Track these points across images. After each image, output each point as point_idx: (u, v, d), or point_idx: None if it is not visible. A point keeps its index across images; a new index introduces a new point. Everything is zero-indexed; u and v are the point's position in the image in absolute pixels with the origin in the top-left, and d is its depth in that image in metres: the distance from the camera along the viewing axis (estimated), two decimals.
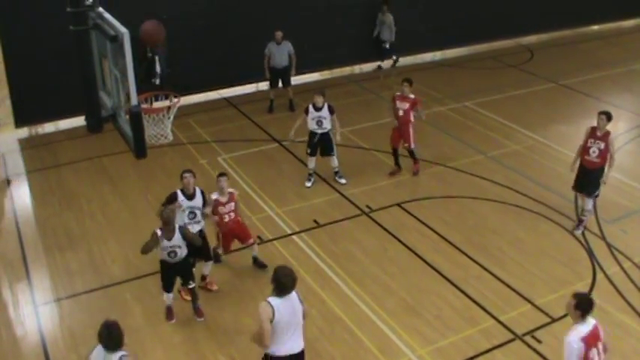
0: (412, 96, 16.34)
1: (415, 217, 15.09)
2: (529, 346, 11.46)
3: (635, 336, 11.76)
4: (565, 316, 12.03)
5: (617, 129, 19.96)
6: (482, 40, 26.87)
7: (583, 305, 8.82)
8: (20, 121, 18.92)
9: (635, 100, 22.10)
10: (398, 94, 16.43)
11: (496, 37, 27.18)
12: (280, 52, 19.94)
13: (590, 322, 8.85)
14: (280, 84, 20.45)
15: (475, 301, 12.46)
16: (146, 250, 11.29)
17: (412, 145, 16.62)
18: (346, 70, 24.12)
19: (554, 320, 12.05)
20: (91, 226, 14.69)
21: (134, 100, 13.90)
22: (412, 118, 16.43)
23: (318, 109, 15.71)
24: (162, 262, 11.50)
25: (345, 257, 13.64)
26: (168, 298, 11.85)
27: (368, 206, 15.42)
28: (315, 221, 14.83)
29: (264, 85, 21.95)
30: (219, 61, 20.97)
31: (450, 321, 11.98)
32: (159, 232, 11.22)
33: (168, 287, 11.69)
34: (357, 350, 11.28)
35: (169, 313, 11.97)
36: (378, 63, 24.44)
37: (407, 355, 11.20)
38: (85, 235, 14.36)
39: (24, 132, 19.14)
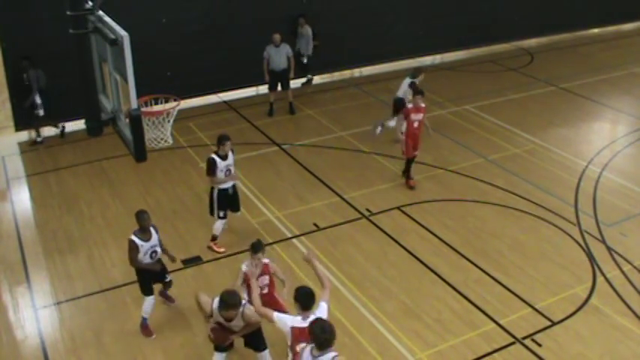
0: (423, 105, 16.31)
1: (415, 220, 15.08)
2: (529, 349, 11.45)
3: (634, 339, 11.75)
4: (566, 319, 12.11)
5: (617, 132, 20.05)
6: (482, 44, 26.90)
7: None
8: (20, 124, 18.90)
9: (634, 104, 22.10)
10: (410, 106, 16.27)
11: (496, 41, 27.18)
12: (279, 55, 19.92)
13: None
14: (280, 87, 20.41)
15: (475, 304, 12.46)
16: (133, 260, 11.29)
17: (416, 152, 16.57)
18: (346, 74, 24.10)
19: (554, 324, 12.05)
20: (91, 230, 14.68)
21: (134, 104, 13.94)
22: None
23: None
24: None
25: (345, 261, 13.64)
26: (149, 302, 11.68)
27: (368, 210, 15.42)
28: (315, 225, 14.83)
29: (263, 89, 21.94)
30: (218, 64, 20.95)
31: (450, 324, 11.98)
32: (135, 238, 11.28)
33: (148, 291, 11.62)
34: (357, 354, 11.27)
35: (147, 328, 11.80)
36: (306, 78, 23.09)
37: (407, 359, 11.20)
38: (85, 239, 14.35)
39: (24, 135, 19.12)
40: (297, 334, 8.74)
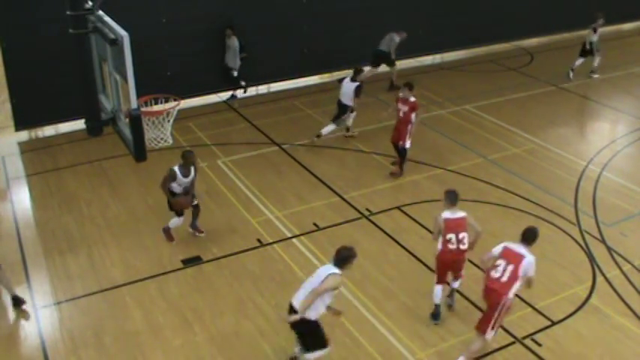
0: (412, 99, 16.51)
1: (415, 220, 15.08)
2: (529, 349, 11.46)
3: (635, 339, 11.76)
4: (566, 319, 12.11)
5: (617, 132, 20.06)
6: (482, 44, 26.91)
7: None
8: (20, 124, 18.91)
9: (634, 103, 22.11)
10: (400, 95, 16.64)
11: (496, 40, 27.19)
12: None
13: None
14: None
15: (475, 304, 12.45)
16: (165, 186, 13.40)
17: (406, 145, 16.77)
18: (345, 73, 24.01)
19: (554, 323, 12.07)
20: (91, 230, 14.67)
21: (134, 103, 13.91)
22: (412, 120, 16.55)
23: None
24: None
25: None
26: (179, 220, 13.99)
27: (368, 209, 15.42)
28: (315, 224, 14.83)
29: (263, 89, 22.02)
30: (219, 64, 20.93)
31: (450, 324, 11.98)
32: (176, 169, 13.28)
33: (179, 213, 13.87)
34: (358, 354, 11.27)
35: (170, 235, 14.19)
36: (231, 92, 21.75)
37: (407, 359, 11.20)
38: (84, 239, 14.34)
39: (24, 135, 19.13)
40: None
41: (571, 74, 23.73)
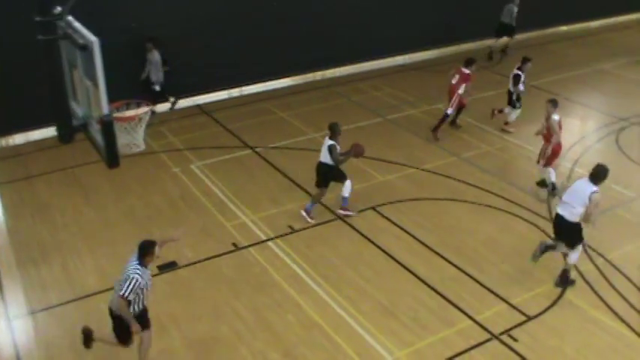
0: (467, 72, 18.92)
1: (390, 220, 15.12)
2: (506, 345, 11.52)
3: (609, 332, 11.87)
4: (541, 314, 12.19)
5: (587, 128, 20.23)
6: (452, 43, 26.98)
7: None
8: None
9: (603, 100, 22.32)
10: (460, 67, 19.09)
11: (466, 40, 27.28)
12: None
13: None
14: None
15: (451, 302, 12.51)
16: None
17: (449, 111, 19.03)
18: (317, 75, 24.04)
19: (529, 319, 12.15)
20: (65, 238, 14.56)
21: (105, 109, 13.82)
22: (461, 91, 18.88)
23: None
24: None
25: (321, 262, 13.64)
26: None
27: None
28: (290, 227, 14.82)
29: (235, 92, 21.98)
30: (191, 68, 20.86)
31: (427, 322, 12.02)
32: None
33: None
34: (335, 355, 11.27)
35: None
36: (150, 108, 18.87)
37: (385, 358, 11.22)
38: (58, 247, 14.23)
39: None
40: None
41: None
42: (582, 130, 20.25)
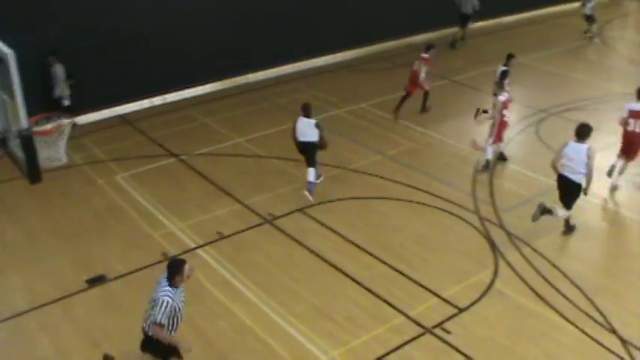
0: (425, 55, 20.56)
1: (318, 221, 15.14)
2: (439, 338, 11.64)
3: (538, 318, 12.10)
4: (472, 305, 12.36)
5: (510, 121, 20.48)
6: (373, 42, 27.16)
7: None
8: None
9: (523, 92, 22.71)
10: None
11: (387, 38, 27.50)
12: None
13: None
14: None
15: (383, 299, 12.59)
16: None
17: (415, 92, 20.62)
18: (241, 79, 23.94)
19: (461, 311, 12.30)
20: None
21: (24, 123, 13.57)
22: (422, 74, 20.40)
23: None
24: None
25: (252, 267, 13.58)
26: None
27: (270, 214, 15.39)
28: (219, 233, 14.72)
29: (158, 100, 21.79)
30: (112, 78, 20.54)
31: (360, 321, 12.06)
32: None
33: None
34: (270, 358, 11.23)
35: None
36: (71, 120, 18.26)
37: (320, 359, 11.23)
38: None
39: None
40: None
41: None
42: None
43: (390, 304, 12.44)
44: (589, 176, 13.89)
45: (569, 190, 14.23)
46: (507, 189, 16.55)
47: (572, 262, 13.77)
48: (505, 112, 17.36)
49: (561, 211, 14.47)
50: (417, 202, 15.90)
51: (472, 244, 14.36)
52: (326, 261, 13.73)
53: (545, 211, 14.37)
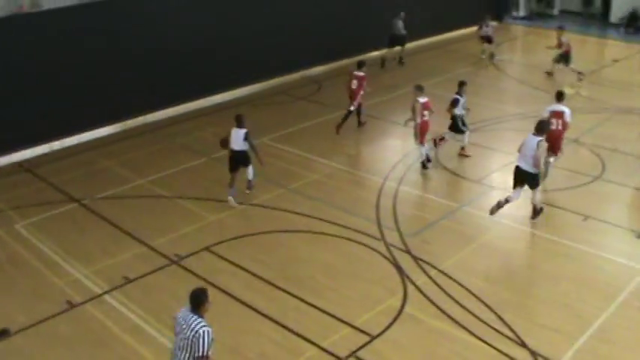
0: (361, 74, 22.00)
1: (226, 259, 15.04)
2: None
3: (450, 339, 12.30)
4: (384, 331, 12.46)
5: (407, 146, 20.87)
6: (271, 76, 27.28)
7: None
8: None
9: None
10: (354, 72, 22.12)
11: (284, 73, 27.68)
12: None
13: None
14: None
15: (296, 332, 12.58)
16: None
17: (351, 108, 21.87)
18: (140, 120, 23.66)
19: (373, 338, 12.39)
20: None
21: None
22: (362, 91, 21.82)
23: None
24: None
25: (161, 309, 13.35)
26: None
27: (177, 255, 15.21)
28: (126, 277, 14.45)
29: (57, 145, 21.36)
30: (6, 124, 20.03)
31: (273, 356, 12.02)
32: None
33: None
34: None
35: None
36: None
37: None
38: None
39: None
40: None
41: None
42: (404, 149, 20.92)
43: (302, 337, 12.44)
44: (536, 166, 15.58)
45: (524, 178, 15.86)
46: (410, 214, 16.83)
47: (479, 280, 14.06)
48: (425, 112, 18.72)
49: (536, 196, 16.16)
50: (324, 233, 15.99)
51: (380, 270, 14.51)
52: (236, 299, 13.64)
53: (502, 203, 15.94)
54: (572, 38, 29.26)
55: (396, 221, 16.44)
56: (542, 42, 31.65)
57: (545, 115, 17.69)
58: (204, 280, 14.25)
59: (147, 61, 23.07)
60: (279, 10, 27.01)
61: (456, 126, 19.72)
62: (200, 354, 9.02)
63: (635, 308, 13.29)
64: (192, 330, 9.11)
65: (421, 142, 18.94)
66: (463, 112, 19.76)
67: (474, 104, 23.87)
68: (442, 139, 19.94)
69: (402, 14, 29.95)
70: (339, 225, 16.28)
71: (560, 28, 28.50)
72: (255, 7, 26.15)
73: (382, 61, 29.87)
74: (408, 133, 20.29)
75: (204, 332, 9.05)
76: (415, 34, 31.95)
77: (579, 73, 27.16)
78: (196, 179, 18.79)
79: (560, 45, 27.96)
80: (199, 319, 9.19)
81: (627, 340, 12.38)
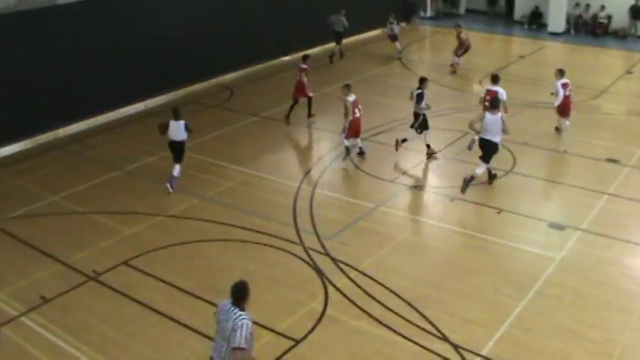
0: (304, 66, 23.60)
1: (144, 272, 14.87)
2: None
3: (374, 338, 12.44)
4: (307, 335, 12.51)
5: (322, 149, 21.05)
6: (182, 85, 27.07)
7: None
8: None
9: (331, 121, 23.32)
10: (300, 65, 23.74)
11: (194, 81, 27.50)
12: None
13: None
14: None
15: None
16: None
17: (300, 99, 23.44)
18: (50, 136, 23.17)
19: (298, 342, 12.45)
20: None
21: None
22: (305, 79, 23.40)
23: None
24: None
25: (81, 327, 13.12)
26: None
27: (94, 271, 14.95)
28: (42, 297, 14.13)
29: None
30: None
31: None
32: None
33: None
34: None
35: None
36: None
37: None
38: None
39: None
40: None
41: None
42: (318, 152, 21.07)
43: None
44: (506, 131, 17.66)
45: (488, 148, 17.61)
46: (327, 217, 16.92)
47: (398, 278, 14.24)
48: (356, 110, 19.74)
49: (480, 169, 17.62)
50: (241, 241, 15.96)
51: (300, 274, 14.56)
52: (157, 312, 13.50)
53: (469, 180, 17.33)
54: (479, 36, 30.03)
55: (313, 224, 16.52)
56: (448, 41, 32.27)
57: (482, 95, 20.49)
58: (124, 294, 14.09)
59: (52, 75, 22.57)
60: (188, 18, 26.86)
61: (424, 122, 20.09)
62: (236, 345, 9.18)
63: (551, 296, 13.67)
64: (232, 321, 9.31)
65: (346, 137, 19.78)
66: (425, 106, 20.06)
67: (385, 105, 24.29)
68: (404, 140, 20.13)
69: (343, 11, 31.58)
70: (256, 231, 16.27)
71: (458, 26, 29.72)
72: (161, 15, 25.96)
73: (330, 57, 31.93)
74: (321, 136, 20.48)
75: (242, 325, 9.22)
76: (328, 36, 32.19)
77: (457, 64, 29.79)
78: (111, 193, 18.53)
79: (462, 43, 28.91)
80: (240, 312, 9.39)
81: (544, 327, 12.72)
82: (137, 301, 13.85)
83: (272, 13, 30.17)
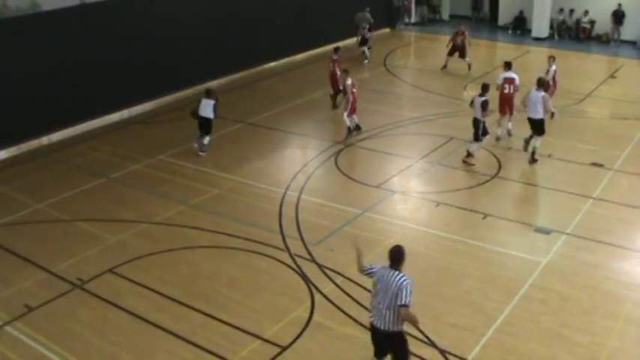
0: (335, 57, 25.43)
1: (130, 280, 14.80)
2: None
3: (360, 344, 12.33)
4: (294, 341, 12.47)
5: (308, 156, 21.07)
6: (167, 92, 26.99)
7: None
8: None
9: (317, 127, 23.39)
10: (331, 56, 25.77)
11: (180, 87, 27.42)
12: None
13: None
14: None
15: (206, 349, 12.47)
16: None
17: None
18: (34, 143, 23.06)
19: (284, 349, 12.40)
20: None
21: None
22: (339, 72, 24.61)
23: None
24: None
25: (67, 336, 13.04)
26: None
27: (79, 279, 14.87)
28: (27, 306, 14.04)
29: None
30: None
31: None
32: None
33: None
34: None
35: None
36: None
37: None
38: None
39: None
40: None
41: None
42: (304, 159, 21.05)
43: (213, 353, 12.34)
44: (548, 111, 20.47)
45: (536, 126, 19.85)
46: (314, 223, 16.88)
47: None
48: (354, 90, 22.32)
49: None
50: (227, 247, 15.93)
51: (286, 281, 14.53)
52: (143, 319, 13.43)
53: (528, 141, 20.09)
54: None
55: (299, 231, 16.49)
56: (433, 46, 32.39)
57: (499, 82, 22.13)
58: (109, 302, 14.02)
59: (36, 83, 22.48)
60: (173, 25, 26.82)
61: (485, 128, 20.23)
62: (403, 302, 10.01)
63: (536, 300, 13.69)
64: (395, 283, 10.13)
65: (349, 114, 22.31)
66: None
67: (371, 111, 24.30)
68: (469, 155, 20.08)
69: (367, 8, 33.39)
70: (242, 238, 16.23)
71: (461, 30, 30.86)
72: (146, 23, 25.90)
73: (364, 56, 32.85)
74: (306, 142, 20.48)
75: (407, 284, 10.09)
76: (311, 43, 32.24)
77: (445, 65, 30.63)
78: (95, 201, 18.45)
79: (465, 46, 29.60)
80: (400, 274, 10.24)
81: (530, 331, 12.73)
82: (123, 309, 13.78)
83: (256, 20, 30.08)
